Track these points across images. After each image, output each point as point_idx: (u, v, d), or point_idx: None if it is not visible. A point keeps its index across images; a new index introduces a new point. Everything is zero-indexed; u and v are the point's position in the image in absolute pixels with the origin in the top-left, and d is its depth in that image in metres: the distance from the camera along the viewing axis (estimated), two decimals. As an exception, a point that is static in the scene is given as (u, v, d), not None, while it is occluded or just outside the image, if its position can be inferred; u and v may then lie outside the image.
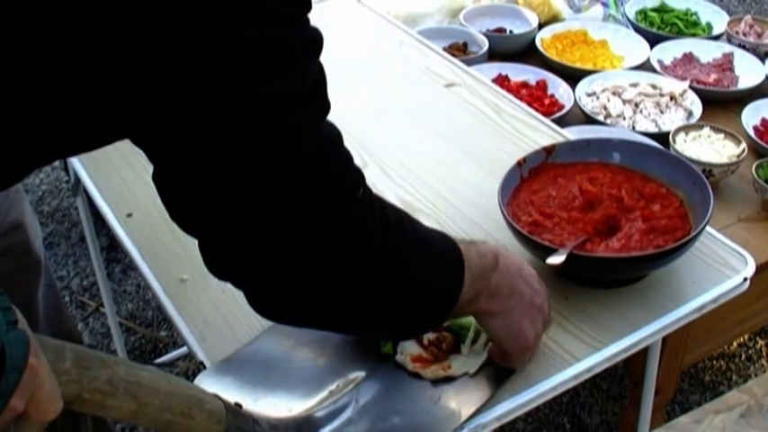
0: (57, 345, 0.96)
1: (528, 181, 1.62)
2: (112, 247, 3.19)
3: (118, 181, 1.82)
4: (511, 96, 2.11)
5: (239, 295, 1.41)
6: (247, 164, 0.94)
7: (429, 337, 1.37)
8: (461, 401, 1.33)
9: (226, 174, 0.93)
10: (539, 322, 1.31)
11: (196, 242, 1.57)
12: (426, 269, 1.13)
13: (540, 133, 1.93)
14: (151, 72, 0.88)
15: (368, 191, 1.08)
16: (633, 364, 2.28)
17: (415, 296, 1.13)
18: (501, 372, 1.37)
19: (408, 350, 1.37)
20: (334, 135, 1.04)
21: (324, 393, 1.33)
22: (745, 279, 1.56)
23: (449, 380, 1.34)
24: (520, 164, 1.62)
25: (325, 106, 1.03)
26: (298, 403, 1.32)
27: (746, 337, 2.82)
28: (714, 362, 2.78)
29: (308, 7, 0.98)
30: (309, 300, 1.05)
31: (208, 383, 1.33)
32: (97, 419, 1.93)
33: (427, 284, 1.14)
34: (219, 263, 1.03)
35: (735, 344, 2.81)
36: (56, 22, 0.85)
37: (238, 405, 1.22)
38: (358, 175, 1.07)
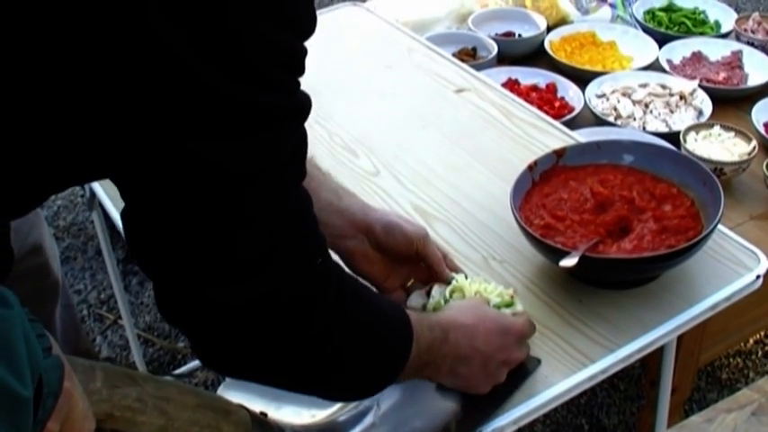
0: (87, 365, 0.98)
1: (539, 184, 1.63)
2: (129, 260, 3.20)
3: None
4: (520, 100, 2.12)
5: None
6: (221, 220, 0.95)
7: None
8: (480, 404, 1.34)
9: (198, 226, 0.95)
10: (502, 374, 1.33)
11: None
12: (374, 340, 1.15)
13: (551, 136, 1.94)
14: (147, 125, 0.90)
15: (326, 259, 1.09)
16: (649, 364, 2.28)
17: (360, 364, 1.14)
18: (517, 373, 1.38)
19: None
20: (307, 200, 1.05)
21: None
22: (758, 277, 1.57)
23: None
24: (531, 167, 1.63)
25: (303, 171, 1.04)
26: (320, 410, 1.33)
27: (762, 334, 2.82)
28: (731, 360, 2.78)
29: (302, 72, 0.99)
30: (252, 359, 1.06)
31: (231, 394, 1.34)
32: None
33: (373, 355, 1.15)
34: (172, 309, 1.03)
35: (751, 341, 2.81)
36: (59, 67, 0.88)
37: (263, 414, 1.24)
38: (320, 242, 1.08)
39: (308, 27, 0.99)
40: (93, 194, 1.95)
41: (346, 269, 1.23)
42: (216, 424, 1.09)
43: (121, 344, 2.96)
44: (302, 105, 1.00)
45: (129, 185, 0.96)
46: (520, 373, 1.38)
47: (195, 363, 2.85)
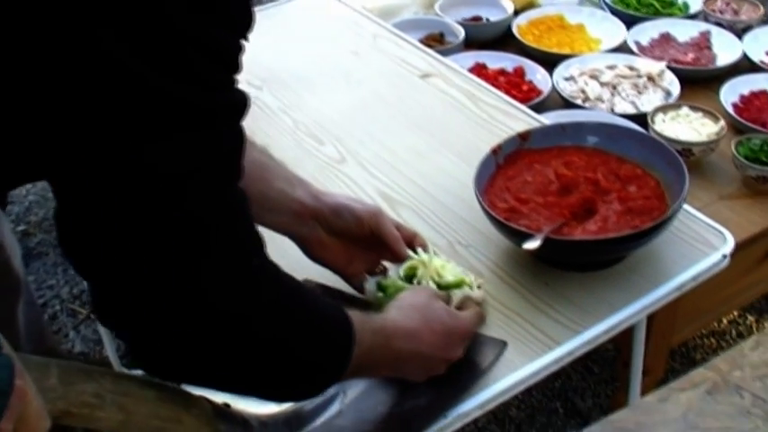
0: (42, 362, 0.97)
1: (504, 168, 1.63)
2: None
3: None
4: (486, 84, 2.11)
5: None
6: (155, 219, 0.93)
7: None
8: (446, 390, 1.33)
9: (132, 226, 0.93)
10: (441, 369, 1.32)
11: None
12: (314, 342, 1.12)
13: (517, 120, 1.93)
14: (81, 124, 0.89)
15: (263, 260, 1.07)
16: (622, 346, 2.28)
17: (298, 366, 1.11)
18: (484, 356, 1.38)
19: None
20: (242, 199, 1.03)
21: None
22: (725, 256, 1.56)
23: None
24: (495, 151, 1.63)
25: (240, 170, 1.02)
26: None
27: (736, 313, 2.82)
28: (705, 340, 2.78)
29: (238, 69, 0.98)
30: (186, 360, 1.04)
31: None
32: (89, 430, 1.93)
33: (312, 357, 1.13)
34: (106, 310, 1.01)
35: (725, 321, 2.81)
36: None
37: (227, 405, 1.23)
38: (256, 242, 1.06)
39: (244, 23, 0.98)
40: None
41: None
42: (177, 416, 1.08)
43: (95, 338, 2.94)
44: (238, 103, 0.99)
45: (62, 185, 0.95)
46: (486, 358, 1.38)
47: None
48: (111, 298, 0.99)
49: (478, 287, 1.44)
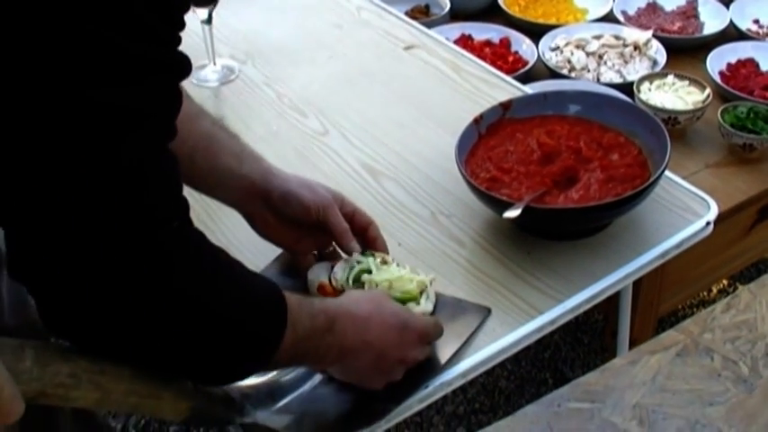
0: (15, 345, 0.96)
1: (486, 137, 1.62)
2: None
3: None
4: (470, 55, 2.10)
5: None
6: (83, 167, 0.90)
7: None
8: (431, 356, 1.33)
9: (58, 170, 0.90)
10: (398, 372, 1.27)
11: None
12: (238, 317, 1.06)
13: (501, 90, 1.92)
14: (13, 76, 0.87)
15: (186, 223, 1.04)
16: (610, 316, 2.29)
17: (219, 345, 1.05)
18: (469, 322, 1.38)
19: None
20: (171, 162, 1.00)
21: None
22: (708, 223, 1.56)
23: None
24: (477, 121, 1.62)
25: (172, 131, 1.00)
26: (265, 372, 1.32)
27: (726, 282, 2.83)
28: (694, 309, 2.78)
29: (181, 26, 0.97)
30: (101, 324, 0.98)
31: None
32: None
33: (236, 336, 1.06)
34: (21, 267, 0.97)
35: (714, 290, 2.82)
36: None
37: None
38: (179, 205, 1.03)
39: None
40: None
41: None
42: (155, 392, 1.07)
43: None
44: (179, 62, 0.97)
45: None
46: (470, 325, 1.37)
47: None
48: (28, 249, 0.95)
49: (430, 283, 1.41)
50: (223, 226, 1.60)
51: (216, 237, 1.58)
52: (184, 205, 1.03)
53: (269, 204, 1.40)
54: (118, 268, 0.94)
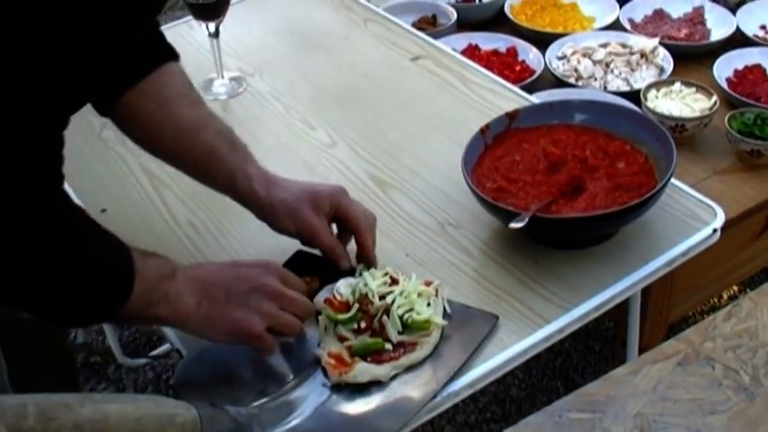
0: (18, 404, 0.98)
1: (492, 147, 1.63)
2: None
3: (91, 177, 1.83)
4: (476, 65, 2.11)
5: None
6: None
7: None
8: (441, 365, 1.34)
9: None
10: (257, 301, 1.31)
11: (170, 232, 1.61)
12: (89, 266, 1.18)
13: (507, 100, 1.93)
14: None
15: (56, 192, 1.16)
16: (620, 324, 2.29)
17: (71, 288, 1.16)
18: (478, 330, 1.38)
19: (329, 346, 1.37)
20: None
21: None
22: (715, 230, 1.56)
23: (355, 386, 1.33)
24: (483, 131, 1.63)
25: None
26: (273, 385, 1.33)
27: (736, 289, 2.82)
28: (705, 316, 2.78)
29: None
30: None
31: (188, 371, 1.37)
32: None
33: (87, 280, 1.18)
34: None
35: (725, 296, 2.82)
36: None
37: (213, 404, 1.23)
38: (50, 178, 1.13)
39: None
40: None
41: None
42: (160, 431, 1.09)
43: (96, 329, 2.95)
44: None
45: None
46: (479, 333, 1.38)
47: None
48: None
49: (436, 291, 1.43)
50: (229, 235, 1.62)
51: (221, 244, 1.60)
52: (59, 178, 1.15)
53: (270, 215, 1.48)
54: None
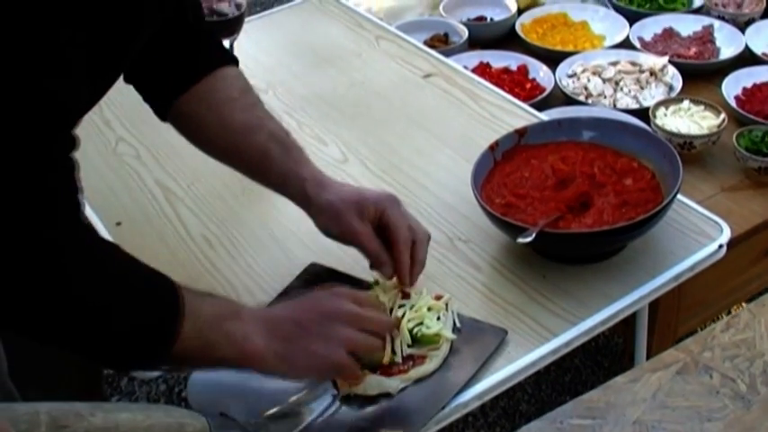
0: (31, 411, 0.99)
1: (501, 164, 1.65)
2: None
3: (106, 191, 1.86)
4: (487, 83, 2.14)
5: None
6: None
7: None
8: (449, 378, 1.36)
9: None
10: (336, 329, 1.25)
11: (184, 246, 1.61)
12: (129, 305, 1.13)
13: (517, 117, 1.95)
14: None
15: (77, 224, 1.14)
16: (628, 339, 2.30)
17: (112, 333, 1.12)
18: (486, 344, 1.40)
19: None
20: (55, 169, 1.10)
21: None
22: (721, 246, 1.58)
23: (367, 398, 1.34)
24: (492, 148, 1.65)
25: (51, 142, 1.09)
26: (284, 395, 1.34)
27: (744, 305, 2.83)
28: (714, 332, 2.79)
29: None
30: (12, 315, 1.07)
31: (194, 396, 1.38)
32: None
33: (127, 326, 1.12)
34: None
35: (734, 312, 2.82)
36: None
37: (223, 415, 1.25)
38: (71, 208, 1.13)
39: None
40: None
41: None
42: None
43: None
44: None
45: None
46: (488, 347, 1.40)
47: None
48: None
49: (446, 305, 1.45)
50: (243, 250, 1.64)
51: (234, 258, 1.63)
52: (73, 206, 1.13)
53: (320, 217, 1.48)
54: (14, 266, 1.03)
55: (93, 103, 1.21)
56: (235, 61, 1.57)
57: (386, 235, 1.44)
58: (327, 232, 1.48)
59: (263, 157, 1.48)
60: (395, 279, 1.45)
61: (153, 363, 1.18)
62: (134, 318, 1.13)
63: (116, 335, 1.12)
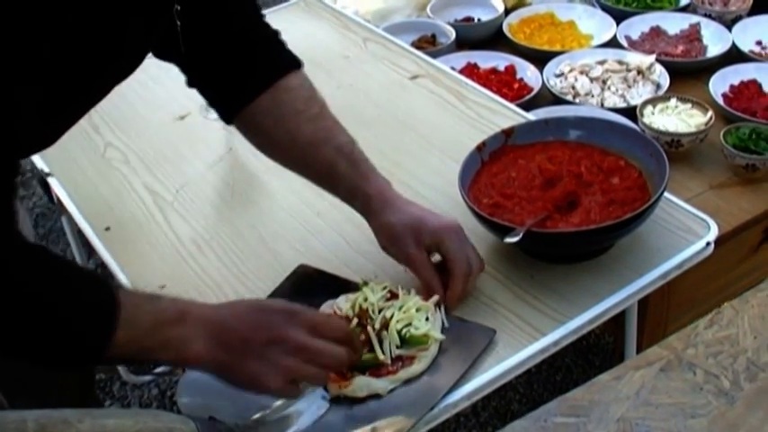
0: (18, 420, 1.00)
1: (489, 164, 1.66)
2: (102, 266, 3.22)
3: (95, 196, 1.86)
4: (474, 83, 2.14)
5: (215, 300, 1.46)
6: None
7: None
8: (439, 378, 1.37)
9: None
10: (279, 356, 1.23)
11: (173, 250, 1.60)
12: (61, 315, 1.12)
13: (504, 117, 1.96)
14: None
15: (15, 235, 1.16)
16: (619, 338, 2.30)
17: (44, 335, 1.11)
18: (475, 344, 1.41)
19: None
20: None
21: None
22: (708, 243, 1.59)
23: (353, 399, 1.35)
24: (480, 148, 1.66)
25: None
26: (274, 398, 1.34)
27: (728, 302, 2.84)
28: (705, 330, 2.80)
29: None
30: None
31: (184, 401, 1.37)
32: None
33: (63, 333, 1.12)
34: None
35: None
36: None
37: (212, 419, 1.26)
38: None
39: None
40: (58, 201, 1.97)
41: None
42: None
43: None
44: None
45: None
46: (477, 346, 1.41)
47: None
48: None
49: (434, 306, 1.46)
50: (232, 253, 1.65)
51: (223, 262, 1.63)
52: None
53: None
54: None
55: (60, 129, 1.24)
56: (297, 64, 1.58)
57: (444, 264, 1.48)
58: (386, 249, 1.51)
59: (331, 171, 1.51)
60: (386, 282, 1.48)
61: (91, 363, 1.18)
62: (68, 326, 1.12)
63: (50, 341, 1.11)
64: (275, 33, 1.58)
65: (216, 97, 1.55)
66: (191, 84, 1.53)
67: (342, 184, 1.52)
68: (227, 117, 1.55)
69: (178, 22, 1.36)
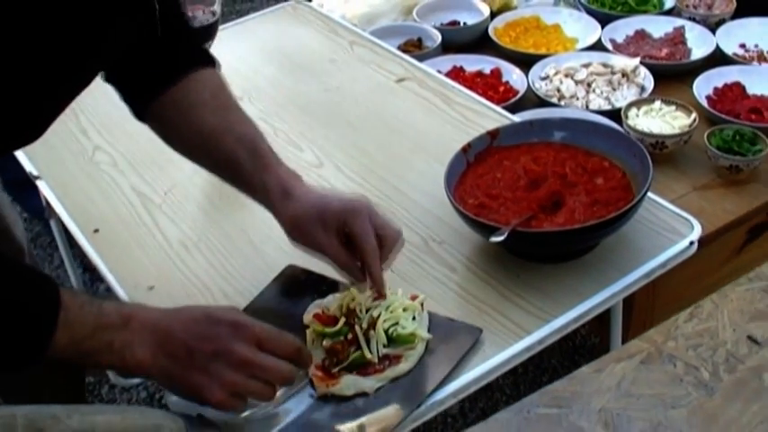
0: (7, 414, 1.01)
1: (474, 165, 1.67)
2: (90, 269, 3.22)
3: (83, 199, 1.87)
4: (459, 86, 2.16)
5: (204, 301, 1.47)
6: None
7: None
8: (425, 377, 1.38)
9: None
10: (222, 370, 1.21)
11: (161, 252, 1.62)
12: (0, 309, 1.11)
13: (489, 119, 1.97)
14: None
15: None
16: (604, 338, 2.32)
17: None
18: (461, 343, 1.42)
19: (316, 359, 1.40)
20: None
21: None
22: (692, 243, 1.60)
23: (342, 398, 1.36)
24: (465, 150, 1.67)
25: None
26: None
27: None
28: (690, 330, 2.81)
29: None
30: None
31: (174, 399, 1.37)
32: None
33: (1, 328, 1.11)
34: None
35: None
36: None
37: (200, 416, 1.26)
38: None
39: None
40: (47, 203, 1.97)
41: None
42: None
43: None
44: None
45: None
46: (463, 345, 1.42)
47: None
48: None
49: (421, 305, 1.47)
50: (220, 255, 1.66)
51: (211, 263, 1.64)
52: None
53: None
54: None
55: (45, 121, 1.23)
56: (212, 63, 1.57)
57: (354, 245, 1.42)
58: (296, 242, 1.47)
59: (231, 162, 1.47)
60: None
61: (25, 366, 1.16)
62: (7, 324, 1.11)
63: None
64: (191, 33, 1.59)
65: (129, 93, 1.54)
66: (107, 79, 1.51)
67: (241, 176, 1.47)
68: (139, 111, 1.53)
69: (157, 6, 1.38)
